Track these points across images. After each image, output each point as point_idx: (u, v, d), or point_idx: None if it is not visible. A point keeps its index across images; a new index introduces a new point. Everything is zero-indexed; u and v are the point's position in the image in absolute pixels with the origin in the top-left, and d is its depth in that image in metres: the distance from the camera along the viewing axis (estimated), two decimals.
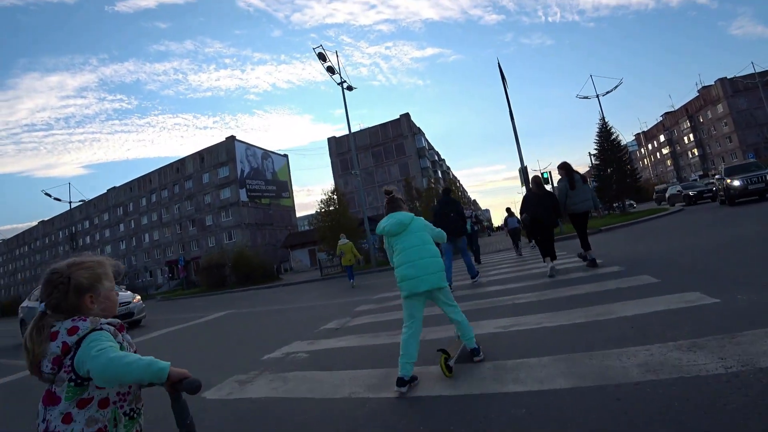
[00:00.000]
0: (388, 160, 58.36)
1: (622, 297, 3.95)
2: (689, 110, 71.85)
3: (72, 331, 1.13)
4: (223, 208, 54.43)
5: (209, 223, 55.30)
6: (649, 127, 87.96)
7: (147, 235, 61.77)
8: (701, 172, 58.66)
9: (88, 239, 69.72)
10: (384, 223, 3.10)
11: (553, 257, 6.48)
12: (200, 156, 58.53)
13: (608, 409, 1.90)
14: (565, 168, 6.88)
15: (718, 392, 1.84)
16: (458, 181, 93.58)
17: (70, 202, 40.36)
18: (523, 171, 17.60)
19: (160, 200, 61.29)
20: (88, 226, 70.41)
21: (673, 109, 77.54)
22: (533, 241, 7.66)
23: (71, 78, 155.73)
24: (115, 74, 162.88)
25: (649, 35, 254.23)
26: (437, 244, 3.18)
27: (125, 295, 10.66)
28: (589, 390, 2.15)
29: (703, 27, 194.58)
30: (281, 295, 14.58)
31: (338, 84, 22.44)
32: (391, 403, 2.55)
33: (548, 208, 6.48)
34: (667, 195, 26.86)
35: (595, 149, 29.54)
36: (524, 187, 15.79)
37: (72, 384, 1.12)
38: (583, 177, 6.81)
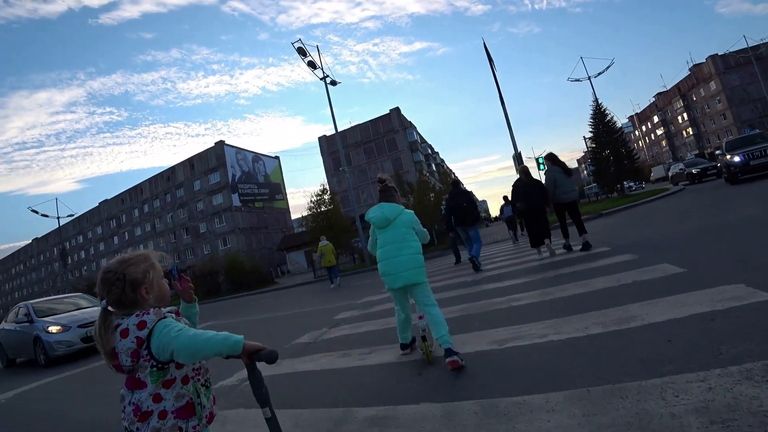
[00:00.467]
0: (380, 156, 57.45)
1: (644, 294, 3.17)
2: (681, 89, 71.12)
3: (141, 325, 1.22)
4: (216, 214, 53.47)
5: (203, 231, 54.34)
6: (642, 108, 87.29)
7: (141, 246, 60.05)
8: (697, 151, 57.94)
9: (82, 254, 68.81)
10: (372, 213, 3.19)
11: (549, 238, 6.85)
12: (190, 163, 57.51)
13: None
14: (552, 158, 7.09)
15: None
16: (453, 173, 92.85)
17: (58, 218, 39.33)
18: (517, 157, 16.84)
19: (152, 210, 60.29)
20: (81, 240, 69.38)
21: (665, 89, 76.83)
22: (525, 229, 8.03)
23: (59, 93, 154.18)
24: (103, 87, 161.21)
25: (636, 17, 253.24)
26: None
27: (95, 311, 9.78)
28: None
29: (690, 6, 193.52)
30: (268, 301, 13.80)
31: (321, 79, 21.59)
32: None
33: (539, 197, 6.75)
34: (670, 174, 26.00)
35: (590, 132, 28.69)
36: (521, 167, 15.05)
37: (155, 369, 1.24)
38: (568, 168, 7.06)
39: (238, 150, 57.28)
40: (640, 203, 15.72)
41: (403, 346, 3.25)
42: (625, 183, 28.60)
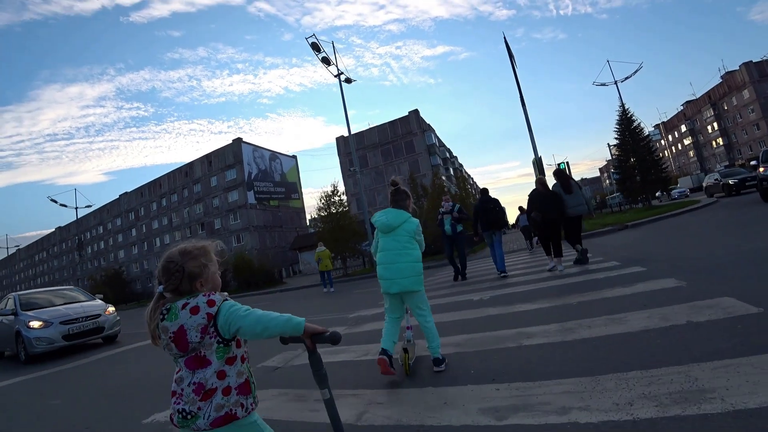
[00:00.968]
0: (397, 158, 56.51)
1: (709, 346, 2.26)
2: (712, 97, 68.21)
3: (210, 303, 1.28)
4: (231, 210, 53.43)
5: (218, 227, 54.37)
6: (669, 117, 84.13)
7: (158, 240, 61.25)
8: (727, 163, 55.29)
9: (102, 244, 69.91)
10: (377, 217, 3.20)
11: (561, 255, 6.91)
12: (208, 159, 57.72)
13: None
14: (558, 174, 7.44)
15: None
16: (471, 178, 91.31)
17: (76, 208, 40.05)
18: (538, 162, 15.80)
19: (170, 204, 60.74)
20: (101, 231, 70.51)
21: (694, 98, 73.76)
22: (538, 240, 8.16)
23: (90, 88, 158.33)
24: (131, 83, 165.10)
25: (665, 25, 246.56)
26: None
27: (94, 305, 9.20)
28: None
29: (721, 14, 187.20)
30: (266, 303, 13.06)
31: (335, 76, 20.90)
32: None
33: (555, 207, 6.81)
34: (704, 184, 24.25)
35: (616, 138, 27.26)
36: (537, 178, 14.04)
37: (221, 345, 1.28)
38: (577, 183, 7.18)
39: (255, 148, 57.19)
40: (668, 215, 14.50)
41: (383, 351, 2.95)
42: (658, 193, 26.85)
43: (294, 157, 65.46)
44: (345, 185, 52.27)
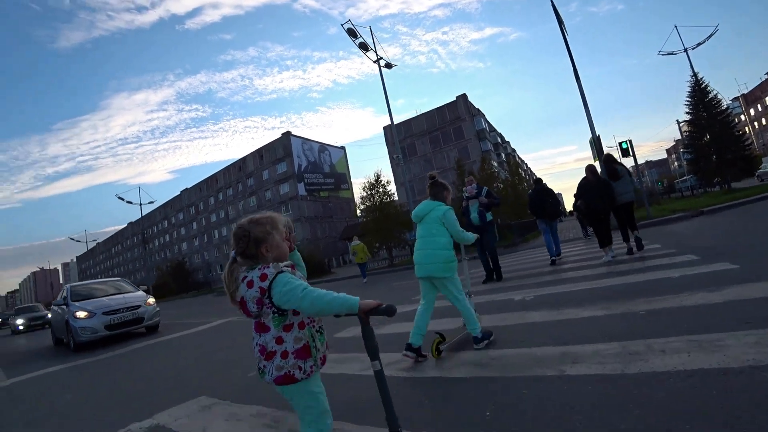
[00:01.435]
0: (446, 145, 54.82)
1: None
2: None
3: (263, 277, 1.38)
4: (283, 202, 54.64)
5: None
6: (750, 88, 74.88)
7: (216, 232, 64.19)
8: None
9: (167, 237, 74.49)
10: (415, 210, 3.42)
11: (610, 243, 6.60)
12: (259, 154, 59.35)
13: None
14: (605, 160, 7.39)
15: None
16: (525, 164, 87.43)
17: (140, 204, 42.64)
18: (596, 141, 14.22)
19: (226, 198, 63.34)
20: (166, 225, 75.15)
21: None
22: (588, 231, 8.27)
23: (153, 94, 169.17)
24: (189, 86, 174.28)
25: None
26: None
27: (135, 296, 9.50)
28: None
29: None
30: None
31: (374, 62, 20.16)
32: None
33: (603, 196, 6.53)
34: None
35: (687, 113, 24.30)
36: (597, 161, 12.59)
37: (276, 315, 1.41)
38: (626, 169, 7.06)
39: (305, 140, 57.97)
40: (754, 199, 12.50)
41: (408, 347, 3.11)
42: (757, 172, 23.18)
43: (342, 148, 65.74)
44: (393, 174, 51.62)
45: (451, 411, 2.16)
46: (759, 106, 72.11)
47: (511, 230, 19.10)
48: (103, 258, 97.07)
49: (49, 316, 10.24)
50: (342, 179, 63.21)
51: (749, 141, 25.12)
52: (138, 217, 76.96)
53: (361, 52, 19.76)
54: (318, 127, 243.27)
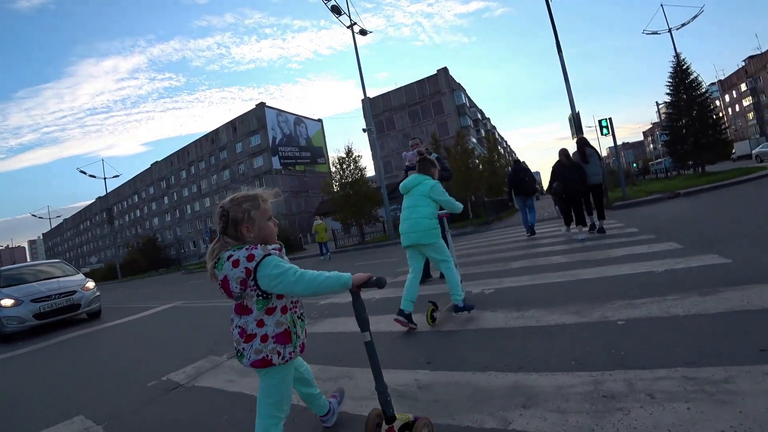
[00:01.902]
0: (425, 120, 53.72)
1: None
2: None
3: (250, 258, 1.34)
4: (257, 176, 52.96)
5: None
6: (727, 74, 75.60)
7: (189, 207, 62.20)
8: None
9: (138, 212, 71.91)
10: (403, 182, 3.53)
11: (584, 223, 7.08)
12: (232, 125, 57.07)
13: None
14: (578, 142, 7.42)
15: None
16: (505, 141, 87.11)
17: (104, 179, 40.53)
18: (575, 118, 13.60)
19: (198, 171, 61.11)
20: (136, 200, 72.42)
21: (759, 52, 65.41)
22: (560, 210, 8.53)
23: (123, 60, 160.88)
24: (162, 54, 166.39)
25: None
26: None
27: (72, 281, 8.62)
28: None
29: None
30: None
31: (347, 27, 18.87)
32: None
33: (576, 180, 6.79)
34: (754, 152, 21.28)
35: (668, 95, 23.92)
36: (575, 138, 11.99)
37: (260, 297, 1.39)
38: (596, 151, 7.22)
39: (279, 112, 55.89)
40: (730, 183, 12.13)
41: (400, 312, 3.23)
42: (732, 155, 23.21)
43: (320, 120, 63.80)
44: (372, 149, 50.42)
45: None
46: (734, 92, 73.02)
47: (485, 208, 18.56)
48: (71, 235, 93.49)
49: None
50: (318, 153, 61.57)
51: (726, 126, 24.93)
52: (105, 193, 74.35)
53: (342, 23, 18.43)
54: (297, 99, 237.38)
